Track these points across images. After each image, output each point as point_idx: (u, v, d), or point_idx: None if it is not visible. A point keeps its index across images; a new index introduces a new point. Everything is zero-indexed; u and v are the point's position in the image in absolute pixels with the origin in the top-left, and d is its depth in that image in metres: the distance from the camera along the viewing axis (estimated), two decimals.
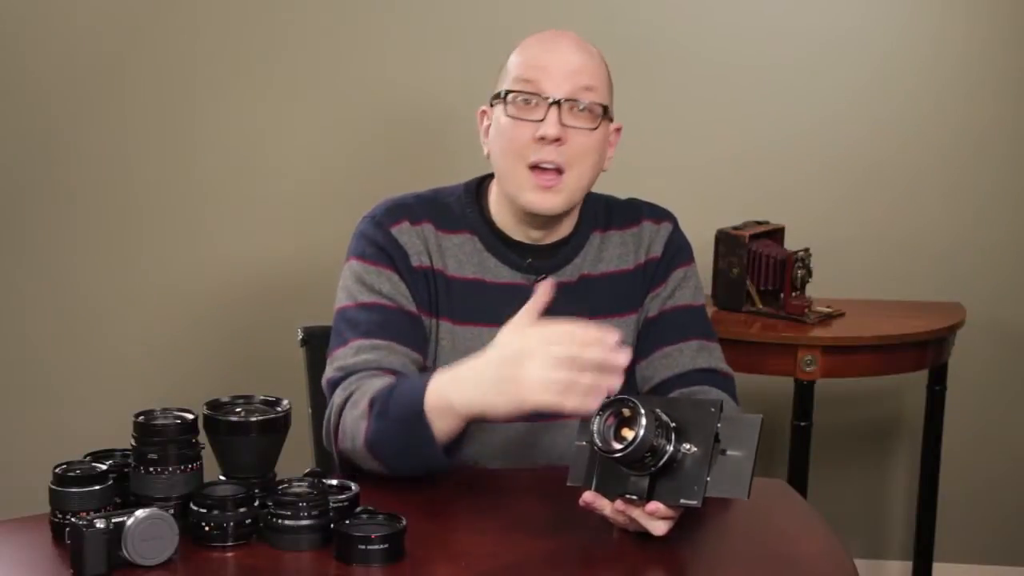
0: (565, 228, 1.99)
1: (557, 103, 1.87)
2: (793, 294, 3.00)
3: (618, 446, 1.54)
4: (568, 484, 1.64)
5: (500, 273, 1.96)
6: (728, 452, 1.55)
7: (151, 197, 3.43)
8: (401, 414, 1.71)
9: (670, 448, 1.55)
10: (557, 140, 1.86)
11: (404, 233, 1.94)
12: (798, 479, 2.93)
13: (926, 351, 2.99)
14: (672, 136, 3.32)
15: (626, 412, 1.56)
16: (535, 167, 1.88)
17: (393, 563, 1.51)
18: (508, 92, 1.90)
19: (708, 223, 3.13)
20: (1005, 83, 3.25)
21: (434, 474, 1.75)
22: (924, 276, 3.30)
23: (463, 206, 1.99)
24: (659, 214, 2.07)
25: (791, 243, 3.12)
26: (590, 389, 1.55)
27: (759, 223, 3.14)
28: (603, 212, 2.04)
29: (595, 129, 1.90)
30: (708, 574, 1.60)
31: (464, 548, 1.59)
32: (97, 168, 3.43)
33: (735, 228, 3.07)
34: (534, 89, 1.88)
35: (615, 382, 1.56)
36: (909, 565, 3.32)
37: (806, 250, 3.02)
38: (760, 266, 3.01)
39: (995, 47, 3.24)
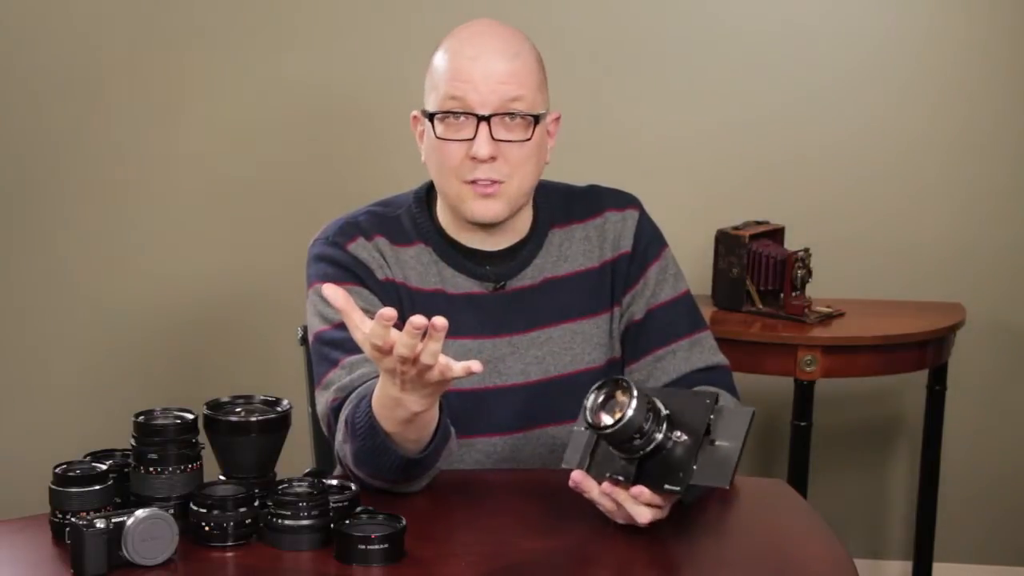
0: (520, 229, 1.94)
1: (487, 119, 1.82)
2: (793, 294, 3.00)
3: (607, 421, 1.55)
4: (562, 466, 1.65)
5: (458, 283, 1.91)
6: (717, 442, 1.56)
7: (150, 197, 3.43)
8: (364, 429, 1.67)
9: (660, 435, 1.56)
10: (491, 158, 1.82)
11: (362, 249, 1.89)
12: (798, 479, 2.93)
13: (926, 351, 2.99)
14: (672, 136, 3.31)
15: (619, 393, 1.57)
16: (472, 181, 1.84)
17: (393, 563, 1.51)
18: (434, 113, 1.84)
19: (708, 223, 3.13)
20: (1006, 83, 3.25)
21: (431, 476, 1.74)
22: (924, 276, 3.29)
23: (413, 217, 1.94)
24: (622, 201, 2.00)
25: (791, 243, 3.12)
26: (435, 355, 1.52)
27: (759, 223, 3.13)
28: (561, 204, 1.98)
29: (529, 139, 1.85)
30: (708, 574, 1.60)
31: (464, 548, 1.59)
32: (97, 167, 3.43)
33: (735, 228, 3.07)
34: (461, 106, 1.82)
35: (433, 347, 1.52)
36: (909, 565, 3.32)
37: (806, 250, 3.02)
38: (760, 266, 3.01)
39: (996, 47, 3.24)
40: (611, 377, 1.60)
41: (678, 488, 1.55)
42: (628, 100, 3.32)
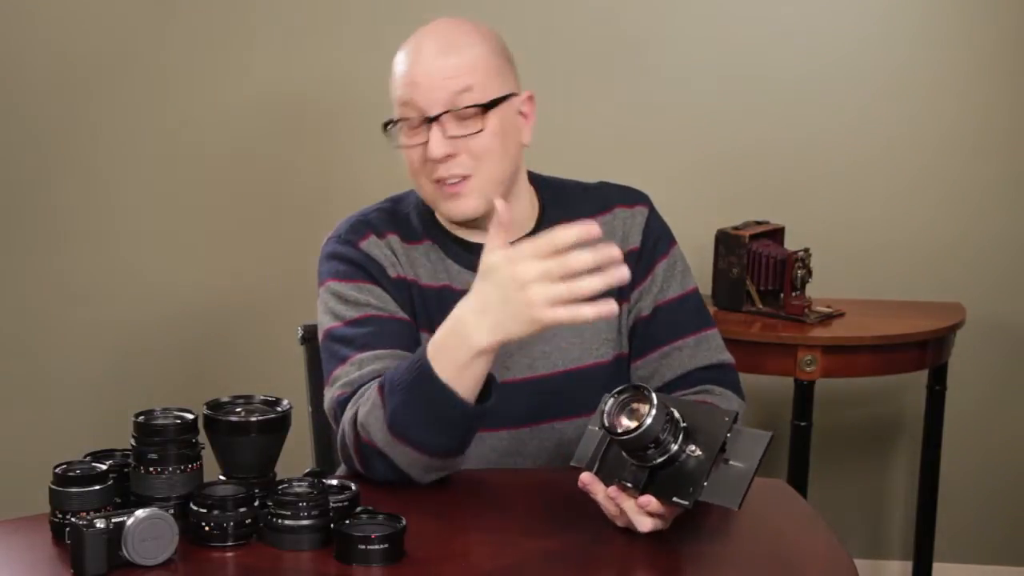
0: (521, 222, 1.93)
1: (436, 119, 1.81)
2: (793, 294, 3.00)
3: (626, 427, 1.55)
4: (571, 464, 1.65)
5: (465, 279, 1.88)
6: (731, 462, 1.55)
7: (151, 198, 3.43)
8: (410, 379, 1.66)
9: (675, 446, 1.56)
10: (447, 157, 1.82)
11: (374, 247, 1.89)
12: (798, 479, 2.93)
13: (926, 351, 2.99)
14: (672, 136, 3.32)
15: (639, 401, 1.56)
16: (439, 181, 1.84)
17: (393, 563, 1.51)
18: (388, 123, 1.86)
19: (708, 223, 3.13)
20: (1004, 82, 3.25)
21: (467, 441, 1.71)
22: (924, 276, 3.30)
23: (420, 214, 1.94)
24: (632, 198, 2.00)
25: (791, 243, 3.12)
26: (594, 290, 1.55)
27: (759, 223, 3.14)
28: (570, 200, 1.98)
29: (483, 130, 1.83)
30: (708, 574, 1.60)
31: (464, 548, 1.59)
32: (99, 166, 3.43)
33: (735, 228, 3.07)
34: (412, 111, 1.83)
35: (620, 273, 1.56)
36: (909, 565, 3.32)
37: (806, 250, 3.02)
38: (760, 266, 3.01)
39: (992, 46, 3.24)
40: (631, 383, 1.60)
41: (687, 503, 1.55)
42: (628, 100, 3.32)
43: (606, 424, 1.57)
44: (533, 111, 1.93)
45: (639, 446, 1.55)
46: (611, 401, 1.58)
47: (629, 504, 1.58)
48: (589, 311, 1.57)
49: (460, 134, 1.82)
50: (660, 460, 1.56)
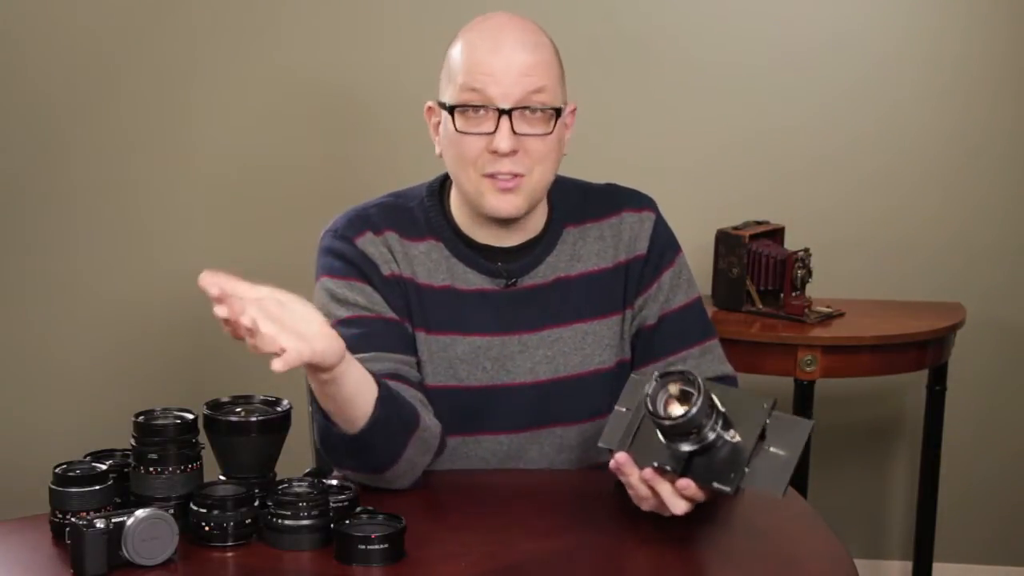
0: (534, 225, 1.92)
1: (508, 113, 1.80)
2: (793, 294, 3.00)
3: (677, 412, 1.53)
4: (599, 444, 1.64)
5: (469, 279, 1.89)
6: (771, 449, 1.54)
7: (149, 196, 3.43)
8: (314, 408, 1.74)
9: (716, 432, 1.54)
10: (512, 152, 1.80)
11: (369, 244, 1.88)
12: (798, 479, 2.93)
13: (926, 351, 2.99)
14: (672, 136, 3.31)
15: (685, 386, 1.55)
16: (492, 175, 1.82)
17: (393, 563, 1.51)
18: (454, 106, 1.82)
19: (708, 223, 3.13)
20: (1005, 83, 3.25)
21: (387, 456, 1.72)
22: (924, 276, 3.29)
23: (426, 211, 1.92)
24: (640, 202, 1.98)
25: (791, 243, 3.12)
26: (238, 330, 1.62)
27: (759, 223, 3.14)
28: (577, 202, 1.97)
29: (550, 133, 1.83)
30: (708, 574, 1.60)
31: (464, 548, 1.59)
32: (100, 167, 3.43)
33: (735, 228, 3.07)
34: (481, 99, 1.80)
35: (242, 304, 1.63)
36: (909, 565, 3.32)
37: (806, 250, 3.02)
38: (760, 266, 3.01)
39: (994, 47, 3.24)
40: (676, 369, 1.58)
41: (728, 488, 1.54)
42: (628, 100, 3.32)
43: (651, 409, 1.54)
44: (573, 123, 1.93)
45: (684, 431, 1.54)
46: (654, 385, 1.55)
47: (665, 487, 1.57)
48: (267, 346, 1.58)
49: (528, 132, 1.81)
50: (702, 445, 1.55)
